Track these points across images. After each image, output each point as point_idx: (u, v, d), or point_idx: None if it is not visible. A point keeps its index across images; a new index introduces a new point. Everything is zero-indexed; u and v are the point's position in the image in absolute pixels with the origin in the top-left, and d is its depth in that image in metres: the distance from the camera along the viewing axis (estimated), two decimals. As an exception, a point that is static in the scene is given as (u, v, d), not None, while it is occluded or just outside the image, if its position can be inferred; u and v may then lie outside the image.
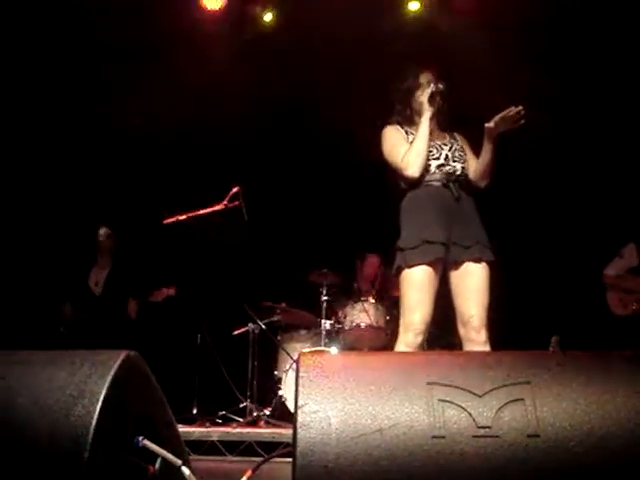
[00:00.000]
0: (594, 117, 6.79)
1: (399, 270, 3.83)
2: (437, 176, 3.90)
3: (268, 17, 7.41)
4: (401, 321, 3.78)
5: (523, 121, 3.76)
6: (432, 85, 3.94)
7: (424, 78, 4.05)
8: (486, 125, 3.85)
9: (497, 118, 3.81)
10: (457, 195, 3.84)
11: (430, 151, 3.93)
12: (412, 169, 3.90)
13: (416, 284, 3.72)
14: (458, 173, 3.93)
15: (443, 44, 6.51)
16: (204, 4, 7.09)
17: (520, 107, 3.75)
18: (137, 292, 6.57)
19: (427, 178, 3.92)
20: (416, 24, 7.10)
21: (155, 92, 6.93)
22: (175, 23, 6.71)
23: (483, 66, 6.27)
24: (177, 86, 6.93)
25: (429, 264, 3.71)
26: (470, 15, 6.78)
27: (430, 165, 3.92)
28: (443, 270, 3.81)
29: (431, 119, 4.00)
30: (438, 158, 3.94)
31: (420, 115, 4.02)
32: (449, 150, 3.98)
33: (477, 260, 3.74)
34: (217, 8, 7.14)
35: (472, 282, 3.72)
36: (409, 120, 4.13)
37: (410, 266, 3.75)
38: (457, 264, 3.77)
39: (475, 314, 3.66)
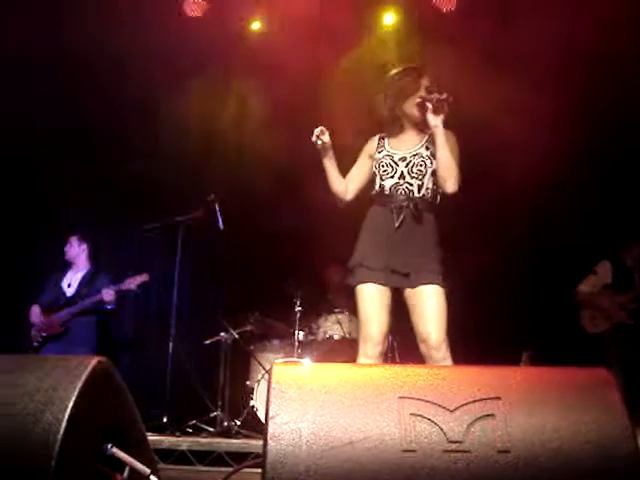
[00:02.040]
0: (568, 134, 6.86)
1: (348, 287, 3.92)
2: (391, 197, 3.86)
3: (255, 26, 7.37)
4: (359, 334, 3.81)
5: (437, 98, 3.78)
6: (445, 95, 3.76)
7: (423, 82, 3.94)
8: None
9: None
10: (398, 225, 3.78)
11: (384, 169, 3.90)
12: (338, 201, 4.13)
13: (365, 298, 3.78)
14: (415, 193, 3.85)
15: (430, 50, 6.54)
16: (185, 10, 7.09)
17: (436, 95, 3.80)
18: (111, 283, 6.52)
19: (380, 199, 3.92)
20: (395, 37, 7.15)
21: (131, 99, 6.93)
22: (155, 30, 6.68)
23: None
24: (156, 94, 6.91)
25: (371, 282, 3.77)
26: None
27: (384, 185, 3.89)
28: (397, 290, 3.82)
29: (410, 124, 4.00)
30: (392, 177, 3.88)
31: (409, 117, 3.98)
32: (406, 166, 3.88)
33: (419, 286, 3.71)
34: (198, 15, 7.14)
35: (423, 305, 3.68)
36: (394, 120, 4.03)
37: (352, 285, 3.85)
38: (404, 289, 3.78)
39: (432, 331, 3.64)
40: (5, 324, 6.75)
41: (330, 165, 4.00)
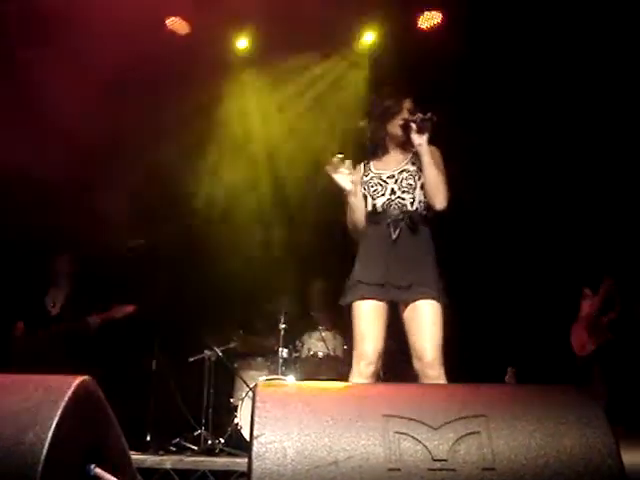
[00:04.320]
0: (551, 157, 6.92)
1: (346, 307, 3.91)
2: (384, 214, 3.88)
3: (242, 44, 7.38)
4: (354, 352, 3.81)
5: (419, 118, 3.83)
6: (428, 114, 3.82)
7: (406, 104, 3.99)
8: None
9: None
10: (395, 237, 3.81)
11: (374, 189, 3.92)
12: (351, 233, 4.08)
13: (362, 315, 3.78)
14: (408, 207, 3.87)
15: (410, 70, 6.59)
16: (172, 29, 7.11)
17: (419, 115, 3.84)
18: (96, 308, 6.47)
19: (374, 218, 3.92)
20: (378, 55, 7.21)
21: (119, 117, 6.91)
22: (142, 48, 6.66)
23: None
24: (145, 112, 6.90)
25: (367, 299, 3.77)
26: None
27: (376, 203, 3.90)
28: (394, 308, 3.82)
29: (394, 145, 4.04)
30: (383, 194, 3.91)
31: (393, 138, 4.02)
32: (395, 182, 3.92)
33: (417, 300, 3.73)
34: (185, 33, 7.16)
35: (420, 320, 3.70)
36: (378, 141, 4.08)
37: (348, 303, 3.85)
38: (402, 303, 3.78)
39: (427, 349, 3.65)
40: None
41: (358, 199, 3.96)
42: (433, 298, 3.72)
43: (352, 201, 3.96)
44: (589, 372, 6.32)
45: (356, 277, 3.85)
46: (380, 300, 3.78)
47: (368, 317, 3.76)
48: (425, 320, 3.69)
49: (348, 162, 3.92)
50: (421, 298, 3.72)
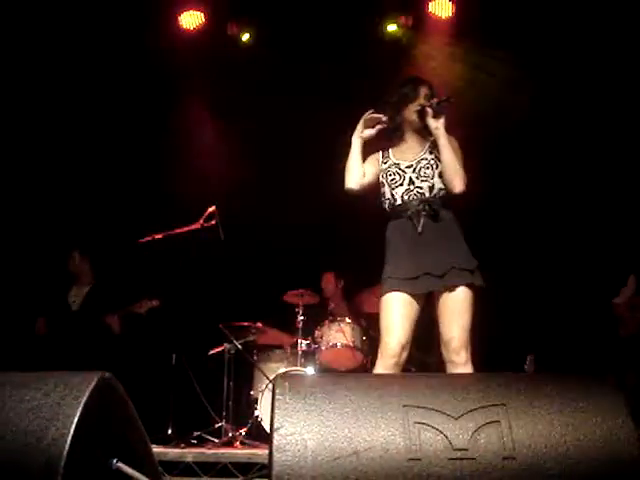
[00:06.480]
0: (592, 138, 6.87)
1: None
2: (405, 206, 3.86)
3: (245, 37, 7.46)
4: (380, 344, 3.80)
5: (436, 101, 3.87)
6: (444, 97, 3.85)
7: (422, 91, 3.97)
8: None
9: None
10: (420, 230, 3.78)
11: (392, 178, 3.92)
12: (345, 185, 4.05)
13: (389, 308, 3.76)
14: (427, 195, 3.85)
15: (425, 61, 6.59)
16: (181, 23, 7.15)
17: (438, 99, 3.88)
18: (117, 306, 6.50)
19: (396, 209, 3.91)
20: (395, 45, 7.20)
21: (127, 114, 6.93)
22: (153, 42, 6.70)
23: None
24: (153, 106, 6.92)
25: (395, 291, 3.75)
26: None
27: (395, 194, 3.90)
28: (426, 297, 3.80)
29: (412, 132, 4.02)
30: (402, 184, 3.90)
31: (410, 125, 4.00)
32: (413, 171, 3.90)
33: (454, 286, 3.71)
34: (194, 27, 7.20)
35: (451, 305, 3.68)
36: (395, 129, 4.05)
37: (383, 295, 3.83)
38: (436, 292, 3.76)
39: (454, 335, 3.64)
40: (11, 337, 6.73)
41: (360, 145, 4.02)
42: (468, 284, 3.71)
43: (357, 144, 4.03)
44: (628, 356, 6.27)
45: (387, 274, 3.83)
46: (412, 294, 3.75)
47: (396, 309, 3.73)
48: (457, 306, 3.68)
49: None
50: (456, 284, 3.70)
